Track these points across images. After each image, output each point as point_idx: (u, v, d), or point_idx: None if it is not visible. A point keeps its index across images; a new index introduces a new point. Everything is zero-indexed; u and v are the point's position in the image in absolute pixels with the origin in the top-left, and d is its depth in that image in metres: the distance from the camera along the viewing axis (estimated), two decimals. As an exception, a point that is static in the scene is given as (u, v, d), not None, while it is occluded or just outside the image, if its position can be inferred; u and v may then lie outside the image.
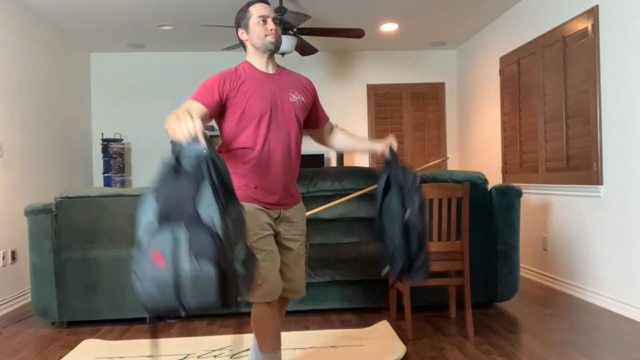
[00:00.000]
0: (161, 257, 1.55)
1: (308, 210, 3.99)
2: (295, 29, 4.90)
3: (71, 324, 3.77)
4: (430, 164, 4.35)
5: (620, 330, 3.34)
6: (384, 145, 2.38)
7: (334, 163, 6.90)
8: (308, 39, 6.05)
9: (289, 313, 3.80)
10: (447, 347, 3.08)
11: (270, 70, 2.30)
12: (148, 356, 3.08)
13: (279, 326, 2.32)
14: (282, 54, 5.03)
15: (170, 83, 6.78)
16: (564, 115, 4.32)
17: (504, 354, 2.95)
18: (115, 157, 6.43)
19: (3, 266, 4.33)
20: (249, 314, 2.31)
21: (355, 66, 7.01)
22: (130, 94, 6.76)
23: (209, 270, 1.53)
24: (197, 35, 6.01)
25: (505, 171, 5.50)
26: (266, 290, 2.18)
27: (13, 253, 4.48)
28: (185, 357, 3.03)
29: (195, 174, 1.63)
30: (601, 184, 3.89)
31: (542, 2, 4.72)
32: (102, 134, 6.58)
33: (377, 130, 6.98)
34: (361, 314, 3.83)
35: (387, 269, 2.36)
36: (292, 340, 3.23)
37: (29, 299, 4.23)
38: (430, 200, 3.23)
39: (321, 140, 2.54)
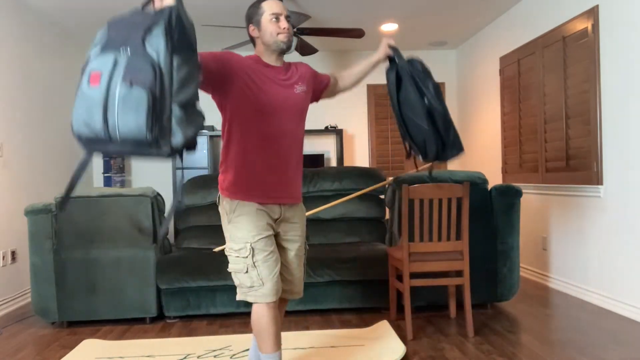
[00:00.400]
0: (97, 77, 1.52)
1: (308, 210, 3.99)
2: (295, 29, 4.90)
3: (71, 324, 3.78)
4: (430, 164, 4.34)
5: (620, 330, 3.34)
6: (384, 47, 2.50)
7: (334, 163, 6.90)
8: (308, 39, 6.06)
9: (289, 313, 3.81)
10: (447, 347, 3.08)
11: (279, 64, 2.27)
12: (148, 356, 3.08)
13: (279, 326, 2.32)
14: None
15: (170, 83, 6.76)
16: (564, 115, 4.32)
17: (504, 354, 2.95)
18: (115, 157, 6.43)
19: (3, 266, 4.33)
20: (249, 314, 2.31)
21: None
22: (130, 94, 6.74)
23: (140, 94, 1.48)
24: (197, 35, 5.98)
25: (505, 171, 5.50)
26: (266, 291, 2.18)
27: (13, 253, 4.48)
28: (185, 357, 3.03)
29: (154, 15, 1.60)
30: (601, 184, 3.89)
31: (542, 2, 4.72)
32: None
33: (377, 130, 6.98)
34: (361, 314, 3.83)
35: (419, 156, 2.50)
36: (292, 340, 3.23)
37: (29, 299, 4.23)
38: (431, 200, 3.23)
39: (334, 92, 2.57)
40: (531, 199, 4.91)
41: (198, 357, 3.03)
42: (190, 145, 1.63)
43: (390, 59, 2.52)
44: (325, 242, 4.36)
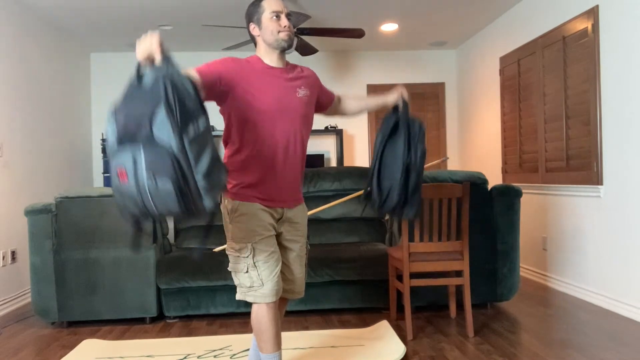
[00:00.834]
0: (124, 174, 1.68)
1: (308, 210, 3.99)
2: (295, 29, 4.90)
3: (71, 324, 3.78)
4: (430, 164, 4.34)
5: (620, 330, 3.34)
6: (397, 96, 2.50)
7: (334, 163, 6.90)
8: (308, 39, 6.06)
9: (289, 313, 3.81)
10: (447, 347, 3.08)
11: (280, 66, 2.25)
12: (148, 356, 3.08)
13: (279, 327, 2.32)
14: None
15: (170, 83, 6.77)
16: (564, 115, 4.32)
17: (504, 354, 2.95)
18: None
19: (3, 266, 4.33)
20: (249, 314, 2.31)
21: (355, 66, 7.01)
22: (130, 94, 6.74)
23: (167, 187, 1.66)
24: (197, 35, 6.01)
25: (505, 171, 5.50)
26: (267, 291, 2.17)
27: (13, 253, 4.48)
28: (185, 357, 3.03)
29: (152, 92, 1.71)
30: (601, 184, 3.89)
31: (542, 2, 4.72)
32: (102, 134, 6.58)
33: (377, 130, 6.97)
34: (361, 314, 3.83)
35: (376, 201, 2.53)
36: (292, 340, 3.23)
37: (29, 299, 4.23)
38: (430, 200, 3.23)
39: (335, 112, 2.57)
40: (531, 199, 4.91)
41: (198, 357, 3.03)
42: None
43: (395, 108, 2.55)
44: (325, 242, 4.36)
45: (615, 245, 3.78)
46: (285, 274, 2.33)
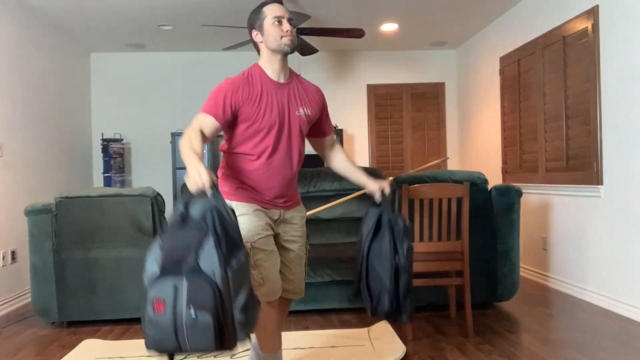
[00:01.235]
0: (162, 305, 1.64)
1: (308, 210, 3.99)
2: (295, 29, 4.89)
3: (71, 324, 3.77)
4: (430, 164, 4.35)
5: (620, 330, 3.34)
6: (377, 188, 2.35)
7: (334, 163, 6.89)
8: (308, 39, 6.06)
9: (289, 313, 3.80)
10: (447, 347, 3.08)
11: (282, 79, 2.26)
12: (148, 356, 3.08)
13: (279, 326, 2.32)
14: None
15: (170, 83, 6.78)
16: (564, 115, 4.32)
17: (504, 354, 2.95)
18: (115, 157, 6.43)
19: (3, 266, 4.33)
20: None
21: (355, 66, 7.01)
22: (130, 94, 6.76)
23: (206, 320, 1.62)
24: (197, 35, 6.01)
25: (505, 171, 5.50)
26: (267, 290, 2.18)
27: (13, 253, 4.48)
28: (185, 357, 3.03)
29: (200, 223, 1.71)
30: (601, 184, 3.89)
31: (542, 2, 4.72)
32: (102, 134, 6.58)
33: (377, 130, 6.98)
34: (361, 314, 3.83)
35: (367, 306, 2.42)
36: (292, 340, 3.23)
37: (29, 299, 4.23)
38: (430, 200, 3.23)
39: (320, 151, 2.49)
40: (531, 199, 4.91)
41: (198, 357, 3.03)
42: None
43: (375, 204, 2.40)
44: (325, 242, 4.37)
45: (616, 245, 3.78)
46: (285, 274, 2.33)
